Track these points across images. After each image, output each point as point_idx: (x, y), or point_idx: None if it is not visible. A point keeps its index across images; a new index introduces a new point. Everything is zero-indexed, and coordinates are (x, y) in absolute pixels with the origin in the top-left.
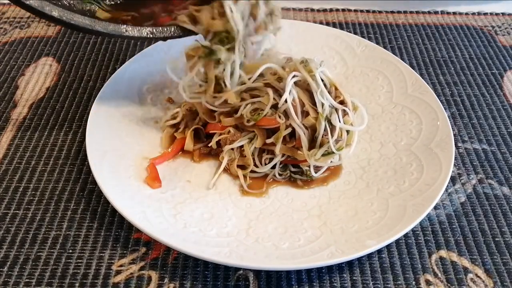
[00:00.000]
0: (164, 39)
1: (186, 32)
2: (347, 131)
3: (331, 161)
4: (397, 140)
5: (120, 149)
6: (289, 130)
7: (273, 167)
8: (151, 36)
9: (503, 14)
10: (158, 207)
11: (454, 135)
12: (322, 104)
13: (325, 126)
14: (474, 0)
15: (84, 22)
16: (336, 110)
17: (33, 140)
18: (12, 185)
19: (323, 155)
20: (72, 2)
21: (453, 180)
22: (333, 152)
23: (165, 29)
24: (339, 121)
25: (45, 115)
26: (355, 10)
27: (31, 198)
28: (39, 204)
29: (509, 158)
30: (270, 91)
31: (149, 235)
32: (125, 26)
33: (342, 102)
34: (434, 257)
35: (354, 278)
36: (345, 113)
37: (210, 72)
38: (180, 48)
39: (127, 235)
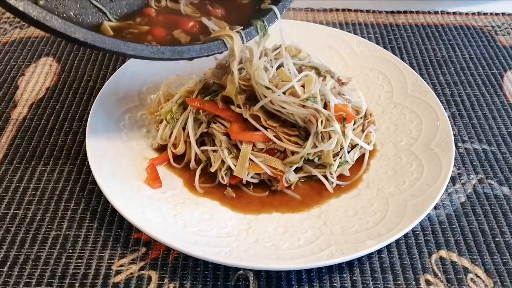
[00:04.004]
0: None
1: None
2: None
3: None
4: (397, 140)
5: (120, 149)
6: None
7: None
8: (159, 55)
9: (503, 14)
10: (158, 207)
11: (454, 135)
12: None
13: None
14: (474, 0)
15: (88, 37)
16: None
17: (33, 140)
18: (12, 185)
19: (338, 165)
20: (77, 12)
21: (453, 180)
22: (347, 162)
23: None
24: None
25: (45, 115)
26: (355, 10)
27: (31, 198)
28: (39, 204)
29: (509, 158)
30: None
31: (149, 235)
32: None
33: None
34: (434, 257)
35: (354, 278)
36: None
37: None
38: None
39: (127, 235)
